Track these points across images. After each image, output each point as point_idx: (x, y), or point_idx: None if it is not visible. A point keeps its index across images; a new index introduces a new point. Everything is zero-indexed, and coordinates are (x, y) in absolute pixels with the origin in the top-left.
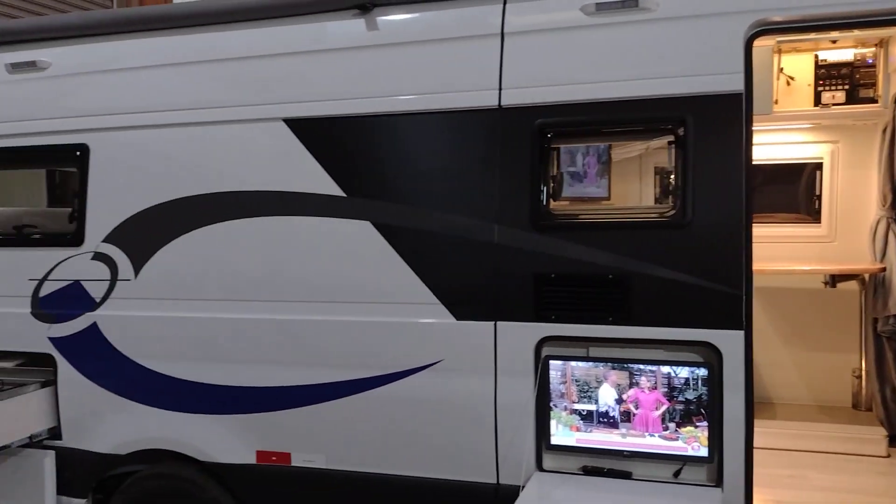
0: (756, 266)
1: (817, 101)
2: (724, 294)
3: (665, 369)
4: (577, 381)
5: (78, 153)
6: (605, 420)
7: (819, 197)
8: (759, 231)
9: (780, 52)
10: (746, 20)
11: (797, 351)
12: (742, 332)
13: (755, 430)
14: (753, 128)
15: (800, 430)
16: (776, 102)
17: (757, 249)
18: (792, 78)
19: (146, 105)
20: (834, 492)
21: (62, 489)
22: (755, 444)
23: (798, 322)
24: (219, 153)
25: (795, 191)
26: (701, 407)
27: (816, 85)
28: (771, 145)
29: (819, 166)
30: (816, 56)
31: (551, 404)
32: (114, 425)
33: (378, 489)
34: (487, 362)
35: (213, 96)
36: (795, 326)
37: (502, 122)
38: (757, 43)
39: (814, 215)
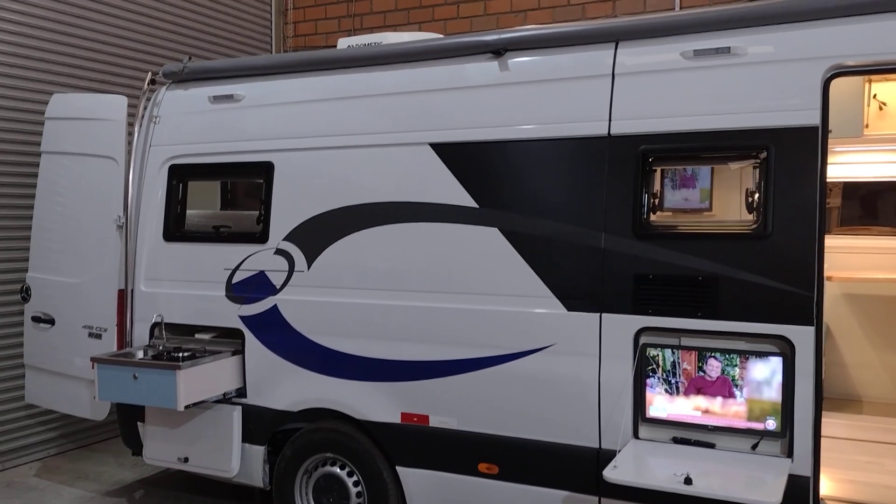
0: (847, 274)
1: None
2: (798, 295)
3: (746, 357)
4: (669, 365)
5: (265, 169)
6: (693, 398)
7: None
8: (853, 242)
9: (870, 81)
10: (824, 65)
11: (885, 353)
12: (813, 328)
13: (840, 422)
14: (844, 149)
15: (883, 424)
16: (867, 126)
17: (850, 259)
18: (884, 104)
19: (318, 131)
20: None
21: (246, 437)
22: (839, 434)
23: (887, 326)
24: (375, 171)
25: (888, 206)
26: (776, 390)
27: None
28: (864, 164)
29: None
30: None
31: (647, 383)
32: (288, 388)
33: (501, 448)
34: (593, 347)
35: (372, 125)
36: (884, 331)
37: (611, 148)
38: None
39: None
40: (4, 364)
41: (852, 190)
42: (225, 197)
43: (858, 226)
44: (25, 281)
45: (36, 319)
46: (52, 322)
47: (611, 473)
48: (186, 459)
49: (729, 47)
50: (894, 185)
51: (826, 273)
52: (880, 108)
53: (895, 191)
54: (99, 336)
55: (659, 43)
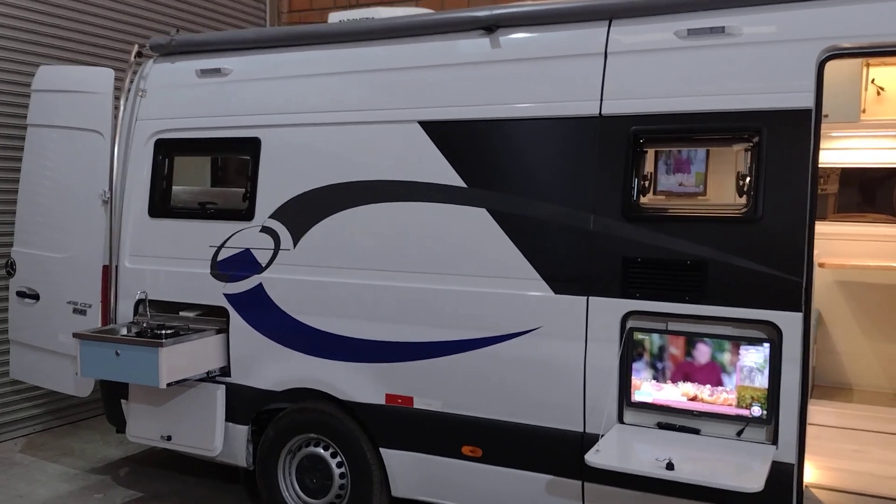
0: (840, 261)
1: None
2: (787, 281)
3: (733, 343)
4: (656, 349)
5: (251, 145)
6: (679, 384)
7: None
8: (848, 229)
9: (868, 65)
10: (819, 46)
11: (877, 342)
12: (801, 314)
13: (828, 410)
14: (841, 134)
15: (872, 412)
16: (864, 111)
17: (844, 246)
18: (882, 88)
19: (306, 107)
20: (892, 465)
21: (229, 416)
22: (826, 422)
23: (879, 315)
24: (363, 148)
25: (885, 193)
26: (762, 376)
27: None
28: (860, 150)
29: None
30: None
31: (633, 368)
32: (272, 367)
33: (485, 431)
34: (580, 330)
35: (361, 101)
36: (877, 319)
37: (602, 128)
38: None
39: None
40: None
41: (849, 176)
42: (215, 173)
43: (856, 212)
44: (10, 255)
45: (21, 294)
46: (36, 297)
47: (593, 458)
48: (170, 438)
49: (723, 27)
50: (891, 171)
51: (820, 260)
52: (878, 93)
53: (892, 177)
54: (83, 312)
55: (653, 21)
